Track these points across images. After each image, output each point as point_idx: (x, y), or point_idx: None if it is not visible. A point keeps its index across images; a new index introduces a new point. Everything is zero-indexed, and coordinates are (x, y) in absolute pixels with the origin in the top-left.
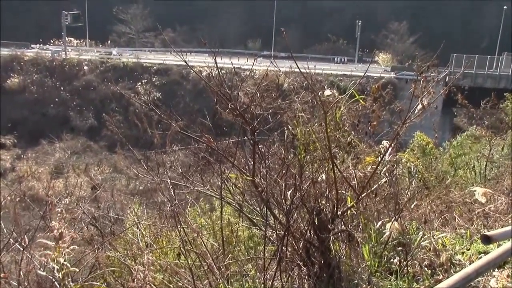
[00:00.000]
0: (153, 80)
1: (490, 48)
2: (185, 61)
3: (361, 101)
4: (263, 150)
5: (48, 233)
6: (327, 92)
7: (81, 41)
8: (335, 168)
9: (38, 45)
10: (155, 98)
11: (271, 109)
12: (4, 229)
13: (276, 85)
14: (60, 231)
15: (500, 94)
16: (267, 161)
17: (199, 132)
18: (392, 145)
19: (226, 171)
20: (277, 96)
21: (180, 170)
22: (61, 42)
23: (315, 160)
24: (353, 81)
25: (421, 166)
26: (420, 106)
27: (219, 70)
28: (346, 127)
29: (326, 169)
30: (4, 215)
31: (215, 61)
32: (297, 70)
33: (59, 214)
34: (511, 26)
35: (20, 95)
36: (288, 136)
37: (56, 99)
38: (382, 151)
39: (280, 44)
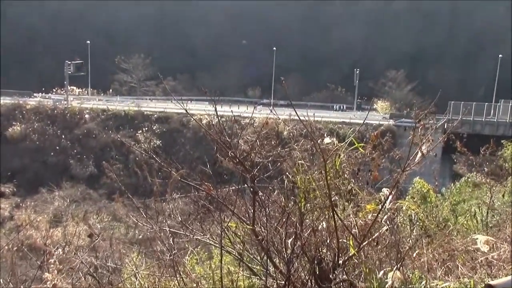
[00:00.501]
0: (154, 128)
1: (487, 96)
2: (186, 110)
3: (360, 148)
4: (263, 198)
5: (43, 285)
6: (327, 140)
7: (83, 89)
8: (336, 216)
9: (40, 94)
10: (155, 146)
11: (271, 157)
12: (1, 280)
13: (275, 133)
14: (53, 282)
15: (499, 141)
16: (267, 209)
17: (199, 180)
18: (393, 192)
19: (226, 219)
20: (276, 144)
21: (180, 219)
22: (63, 91)
23: (316, 208)
24: (352, 129)
25: (422, 214)
26: (419, 154)
27: (219, 118)
28: (346, 175)
29: (327, 217)
30: (1, 265)
31: (215, 109)
32: (296, 118)
33: (52, 265)
34: (510, 73)
35: (21, 144)
36: (288, 184)
37: (57, 147)
38: (383, 198)
39: (280, 92)
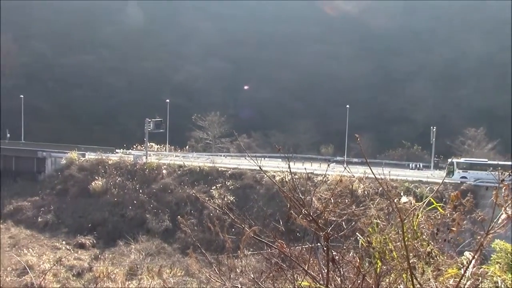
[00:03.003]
0: (227, 184)
1: None
2: (259, 166)
3: (439, 208)
4: (337, 257)
5: None
6: (403, 199)
7: (162, 146)
8: (414, 280)
9: (122, 149)
10: (229, 201)
11: (345, 215)
12: None
13: (350, 191)
14: None
15: None
16: (341, 269)
17: (271, 237)
18: (476, 257)
19: (298, 278)
20: (351, 202)
21: (252, 276)
22: (143, 147)
23: (393, 270)
24: (429, 188)
25: (510, 282)
26: (504, 216)
27: (293, 175)
28: (424, 236)
29: (405, 280)
30: None
31: (289, 166)
32: (371, 175)
33: None
34: None
35: (103, 197)
36: (363, 244)
37: (135, 202)
38: (465, 263)
39: (353, 150)
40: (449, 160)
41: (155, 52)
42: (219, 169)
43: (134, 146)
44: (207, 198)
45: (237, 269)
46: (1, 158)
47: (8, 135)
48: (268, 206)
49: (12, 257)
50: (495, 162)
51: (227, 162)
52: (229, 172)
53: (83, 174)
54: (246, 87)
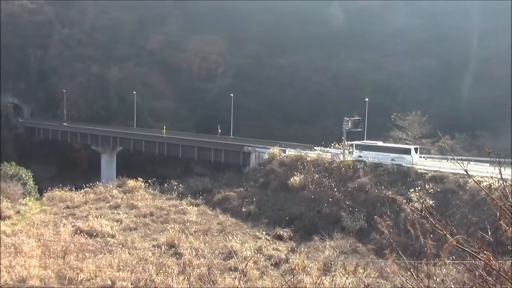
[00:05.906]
0: (427, 187)
1: None
2: (465, 170)
3: None
4: None
5: None
6: None
7: None
8: None
9: (320, 147)
10: (428, 205)
11: None
12: None
13: None
14: None
15: None
16: None
17: (476, 247)
18: None
19: None
20: None
21: (452, 286)
22: (341, 146)
23: None
24: None
25: None
26: None
27: (504, 181)
28: None
29: None
30: None
31: (500, 171)
32: None
33: None
34: None
35: (300, 192)
36: None
37: (330, 199)
38: None
39: None
40: (350, 142)
41: (357, 51)
42: (418, 171)
43: (332, 144)
44: (404, 201)
45: (436, 277)
46: (213, 151)
47: (220, 130)
48: (472, 213)
49: (220, 242)
50: (387, 145)
51: (427, 164)
52: (429, 174)
53: (283, 169)
54: None
